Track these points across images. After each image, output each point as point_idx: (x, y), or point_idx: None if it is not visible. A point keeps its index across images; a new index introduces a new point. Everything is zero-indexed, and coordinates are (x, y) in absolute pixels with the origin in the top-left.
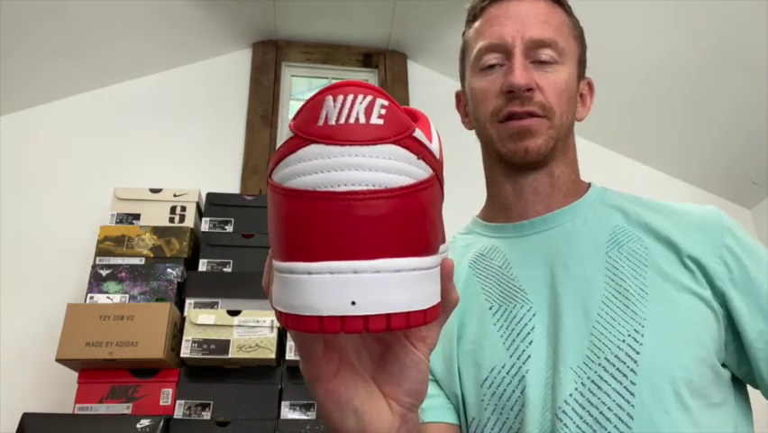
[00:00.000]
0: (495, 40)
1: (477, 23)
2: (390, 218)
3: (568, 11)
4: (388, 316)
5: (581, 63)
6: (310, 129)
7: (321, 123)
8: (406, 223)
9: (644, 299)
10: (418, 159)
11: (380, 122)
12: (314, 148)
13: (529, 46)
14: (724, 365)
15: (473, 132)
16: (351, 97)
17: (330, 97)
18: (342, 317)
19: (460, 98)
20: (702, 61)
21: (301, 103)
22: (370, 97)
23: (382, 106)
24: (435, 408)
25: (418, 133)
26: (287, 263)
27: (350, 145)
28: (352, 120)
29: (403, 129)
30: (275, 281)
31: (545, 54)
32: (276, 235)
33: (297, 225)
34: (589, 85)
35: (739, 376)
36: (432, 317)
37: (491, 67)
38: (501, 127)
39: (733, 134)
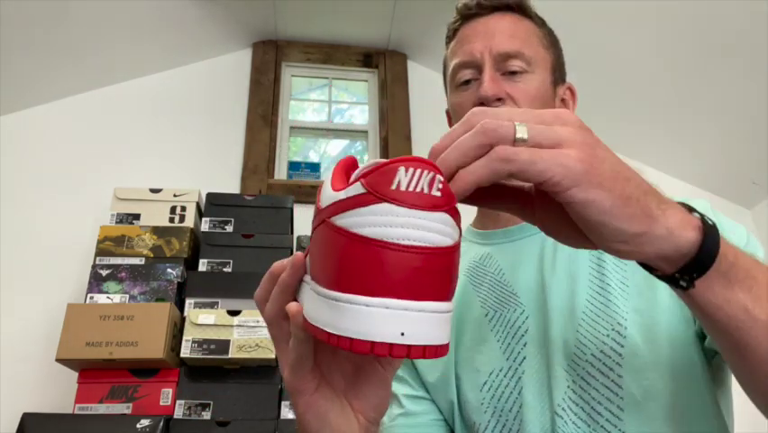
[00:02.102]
0: (466, 57)
1: (452, 44)
2: (435, 270)
3: (537, 22)
4: (425, 347)
5: (556, 69)
6: (384, 190)
7: (393, 187)
8: (444, 274)
9: (626, 292)
10: (456, 225)
11: (438, 194)
12: (386, 206)
13: (498, 59)
14: (710, 349)
15: None
16: (419, 171)
17: (403, 168)
18: (391, 345)
19: (449, 116)
20: (702, 61)
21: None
22: (432, 174)
23: (440, 182)
24: (424, 425)
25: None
26: (346, 294)
27: (415, 209)
28: (418, 189)
29: (451, 201)
30: (322, 305)
31: (514, 65)
32: (336, 270)
33: (362, 266)
34: (570, 90)
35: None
36: (445, 351)
37: (466, 83)
38: None
39: (733, 134)
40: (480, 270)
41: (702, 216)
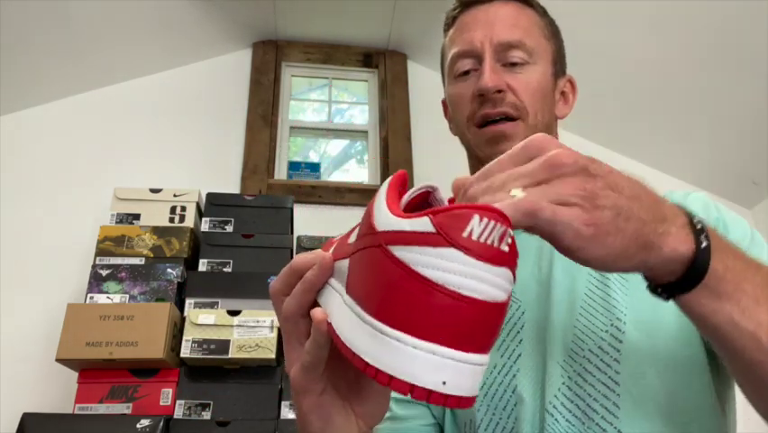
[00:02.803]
0: (466, 46)
1: (450, 32)
2: (487, 324)
3: (539, 12)
4: (460, 397)
5: (557, 61)
6: (455, 235)
7: (465, 234)
8: (493, 329)
9: (625, 287)
10: (513, 281)
11: (506, 249)
12: (454, 253)
13: (498, 49)
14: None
15: None
16: (492, 223)
17: (477, 217)
18: (431, 391)
19: (446, 106)
20: (703, 61)
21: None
22: (504, 228)
23: (510, 237)
24: (410, 430)
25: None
26: (394, 330)
27: (482, 261)
28: (489, 241)
29: (515, 258)
30: (363, 331)
31: (515, 56)
32: (387, 301)
33: (416, 306)
34: (571, 82)
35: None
36: (473, 402)
37: (466, 73)
38: (478, 132)
39: (733, 134)
40: None
41: (698, 236)
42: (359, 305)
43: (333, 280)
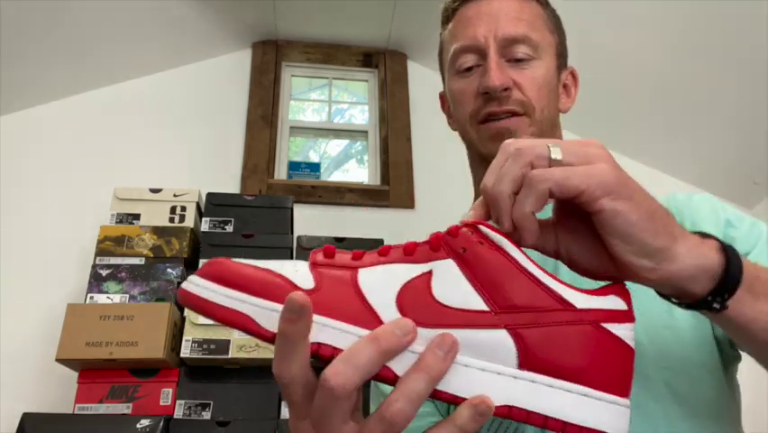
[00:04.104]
0: (468, 41)
1: (450, 25)
2: None
3: (542, 2)
4: None
5: (560, 54)
6: (633, 311)
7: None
8: None
9: (632, 290)
10: None
11: None
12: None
13: (503, 44)
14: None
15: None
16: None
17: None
18: None
19: (444, 100)
20: (703, 61)
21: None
22: None
23: None
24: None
25: None
26: (624, 399)
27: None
28: None
29: None
30: (588, 404)
31: (520, 51)
32: (619, 376)
33: (629, 372)
34: (573, 74)
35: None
36: None
37: (468, 69)
38: (481, 128)
39: (733, 134)
40: None
41: (718, 238)
42: (581, 383)
43: (464, 358)
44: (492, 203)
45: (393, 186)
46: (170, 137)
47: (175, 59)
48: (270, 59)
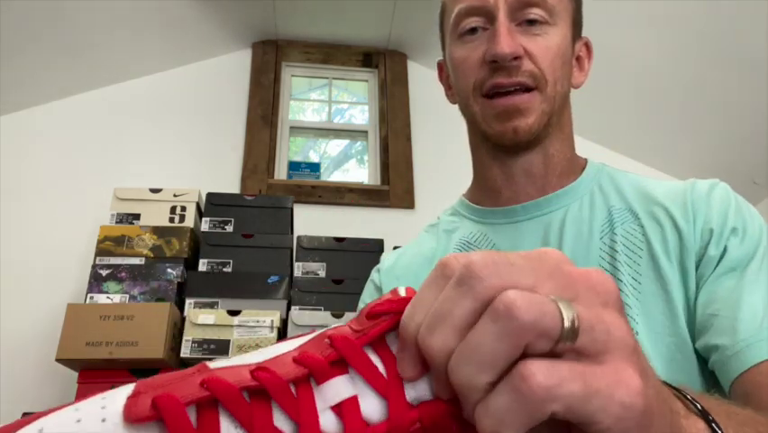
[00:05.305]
0: (475, 1)
1: None
2: None
3: None
4: None
5: (576, 22)
6: None
7: None
8: None
9: (637, 290)
10: None
11: None
12: None
13: (514, 6)
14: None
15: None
16: None
17: None
18: None
19: (442, 69)
20: (703, 61)
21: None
22: None
23: None
24: None
25: None
26: None
27: None
28: None
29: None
30: None
31: (534, 14)
32: None
33: None
34: (587, 45)
35: None
36: None
37: (472, 31)
38: (486, 104)
39: (733, 134)
40: (472, 250)
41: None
42: None
43: None
44: (444, 380)
45: (393, 186)
46: (170, 137)
47: (175, 59)
48: (270, 59)
